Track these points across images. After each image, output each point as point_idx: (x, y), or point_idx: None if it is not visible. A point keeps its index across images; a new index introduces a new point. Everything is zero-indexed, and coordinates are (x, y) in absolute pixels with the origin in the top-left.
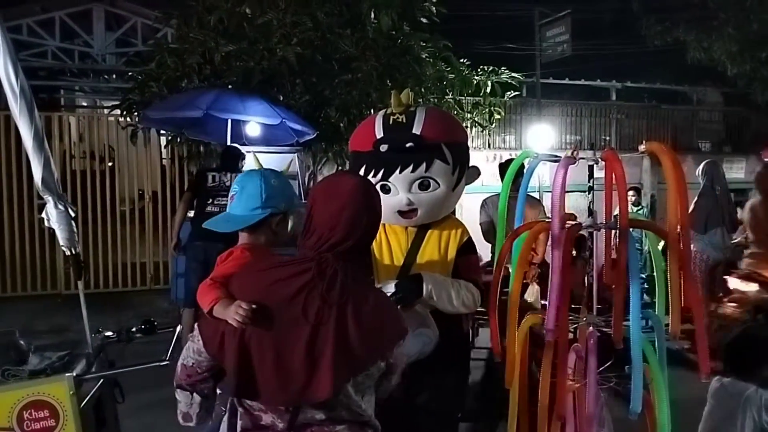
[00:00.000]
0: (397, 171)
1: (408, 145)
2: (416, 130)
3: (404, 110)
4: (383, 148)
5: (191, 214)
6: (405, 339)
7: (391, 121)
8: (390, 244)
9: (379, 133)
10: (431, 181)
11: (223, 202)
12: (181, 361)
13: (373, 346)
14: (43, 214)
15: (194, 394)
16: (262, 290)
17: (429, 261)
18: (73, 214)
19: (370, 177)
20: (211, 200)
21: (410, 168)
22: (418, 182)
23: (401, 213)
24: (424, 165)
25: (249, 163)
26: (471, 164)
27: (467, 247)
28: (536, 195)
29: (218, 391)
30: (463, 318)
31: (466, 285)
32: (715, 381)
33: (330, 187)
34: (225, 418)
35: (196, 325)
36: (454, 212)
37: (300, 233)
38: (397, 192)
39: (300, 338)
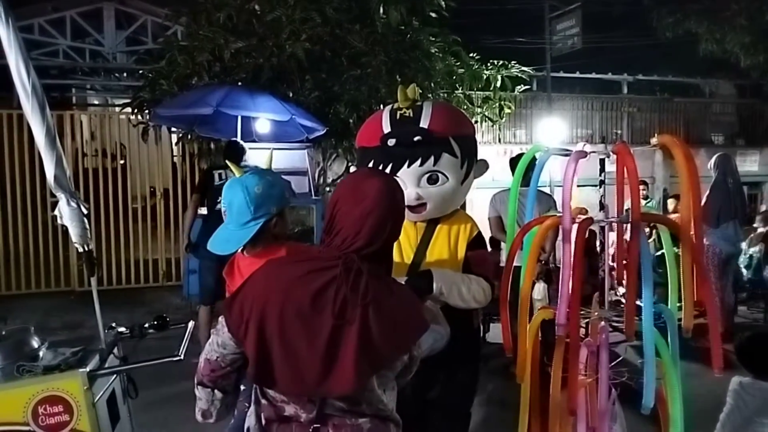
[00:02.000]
0: (405, 165)
1: (416, 138)
2: (423, 123)
3: (411, 104)
4: (391, 142)
5: (203, 210)
6: (427, 332)
7: (398, 116)
8: (399, 240)
9: (387, 128)
10: (440, 174)
11: None
12: (205, 355)
13: (397, 342)
14: (56, 212)
15: (215, 390)
16: (287, 281)
17: (439, 256)
18: (85, 212)
19: None
20: (220, 198)
21: (418, 162)
22: (426, 176)
23: (410, 208)
24: (432, 159)
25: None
26: (479, 158)
27: (477, 241)
28: (547, 190)
29: (242, 387)
30: (473, 313)
31: (477, 280)
32: (733, 382)
33: (355, 187)
34: (251, 410)
35: (220, 318)
36: (463, 207)
37: (323, 228)
38: (405, 187)
39: (321, 332)
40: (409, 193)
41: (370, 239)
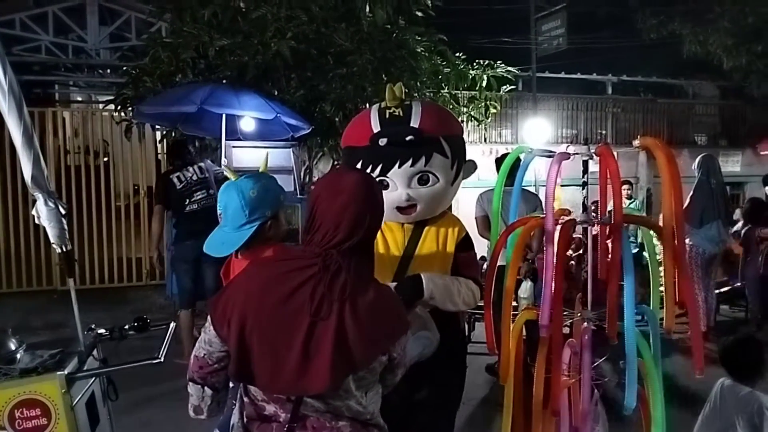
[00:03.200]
0: (396, 165)
1: (408, 138)
2: (414, 123)
3: (399, 104)
4: (382, 142)
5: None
6: (407, 334)
7: (387, 115)
8: (386, 241)
9: (376, 127)
10: (430, 175)
11: (200, 197)
12: (194, 352)
13: (374, 342)
14: (33, 211)
15: (205, 387)
16: (267, 280)
17: (428, 258)
18: (63, 212)
19: None
20: (187, 201)
21: (410, 162)
22: (417, 177)
23: (400, 209)
24: (423, 159)
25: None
26: (468, 158)
27: (465, 243)
28: (532, 189)
29: (230, 385)
30: (459, 315)
31: (467, 283)
32: (717, 384)
33: (333, 183)
34: (236, 408)
35: (208, 316)
36: (450, 208)
37: (304, 227)
38: (396, 187)
39: (299, 330)
40: (400, 194)
41: (350, 232)
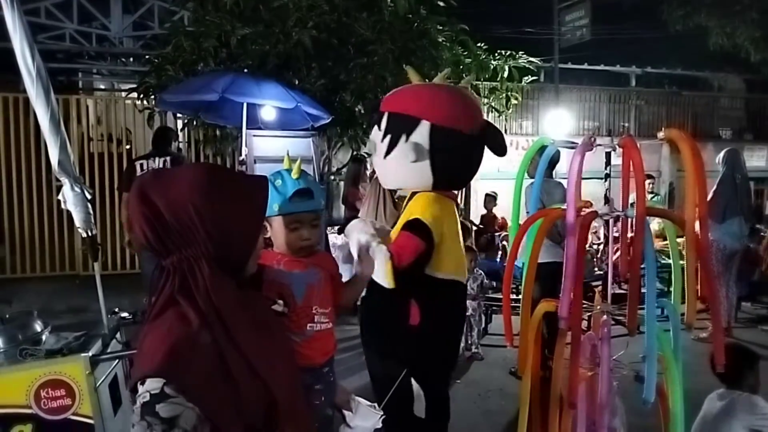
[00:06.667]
0: None
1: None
2: None
3: None
4: None
5: None
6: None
7: None
8: None
9: None
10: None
11: None
12: None
13: None
14: (60, 196)
15: None
16: None
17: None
18: (89, 196)
19: None
20: None
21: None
22: None
23: None
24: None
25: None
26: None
27: (409, 225)
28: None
29: None
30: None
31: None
32: (709, 397)
33: None
34: None
35: None
36: (468, 197)
37: None
38: None
39: None
40: None
41: None
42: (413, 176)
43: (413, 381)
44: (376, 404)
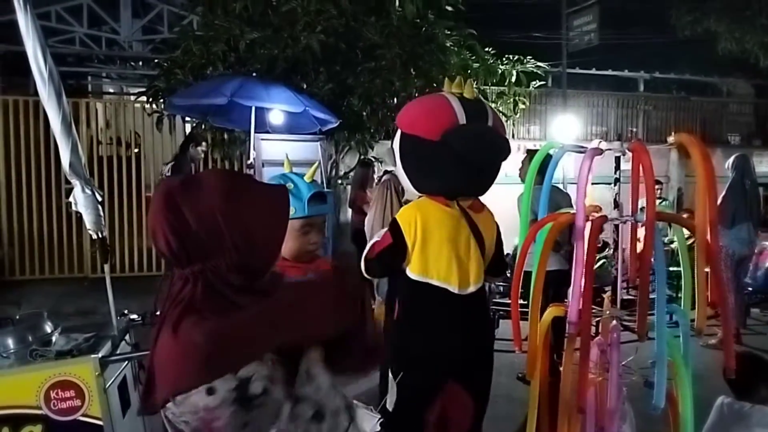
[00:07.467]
0: None
1: None
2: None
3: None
4: None
5: None
6: None
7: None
8: None
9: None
10: None
11: None
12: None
13: None
14: (71, 199)
15: None
16: None
17: None
18: (99, 199)
19: None
20: None
21: None
22: None
23: None
24: None
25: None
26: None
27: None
28: (561, 187)
29: None
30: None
31: None
32: (718, 400)
33: None
34: None
35: None
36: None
37: None
38: None
39: None
40: None
41: None
42: (403, 181)
43: (390, 373)
44: (372, 407)
